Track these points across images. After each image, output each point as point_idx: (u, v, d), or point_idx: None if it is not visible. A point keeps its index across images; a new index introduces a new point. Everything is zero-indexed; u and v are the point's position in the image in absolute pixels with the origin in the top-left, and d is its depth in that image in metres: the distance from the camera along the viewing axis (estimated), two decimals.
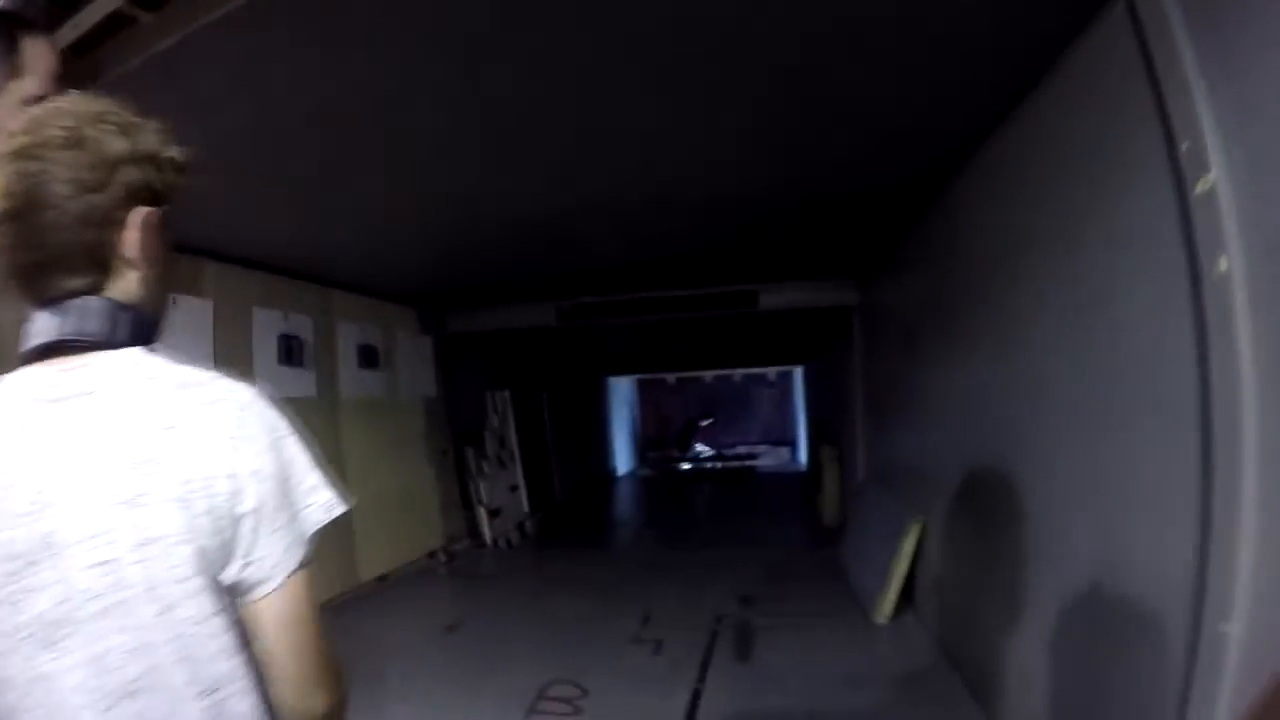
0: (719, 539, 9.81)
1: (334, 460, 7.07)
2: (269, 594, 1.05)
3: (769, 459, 20.03)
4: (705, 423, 21.29)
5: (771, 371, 21.12)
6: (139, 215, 1.06)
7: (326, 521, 1.17)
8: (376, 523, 7.68)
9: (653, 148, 4.13)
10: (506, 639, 5.86)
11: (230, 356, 5.99)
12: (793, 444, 20.47)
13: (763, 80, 3.27)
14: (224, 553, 1.00)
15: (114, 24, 2.65)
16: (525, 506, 10.90)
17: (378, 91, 3.33)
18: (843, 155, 4.20)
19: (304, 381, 6.91)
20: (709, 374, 21.35)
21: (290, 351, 6.69)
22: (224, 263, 6.06)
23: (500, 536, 9.78)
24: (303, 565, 1.10)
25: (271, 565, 1.04)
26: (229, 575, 1.02)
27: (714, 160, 4.31)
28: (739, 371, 21.17)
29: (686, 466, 19.24)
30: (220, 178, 4.25)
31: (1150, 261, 2.33)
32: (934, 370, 5.17)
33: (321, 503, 1.17)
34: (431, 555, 8.71)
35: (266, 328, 6.49)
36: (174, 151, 1.14)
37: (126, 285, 1.09)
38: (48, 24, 2.35)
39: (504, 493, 10.29)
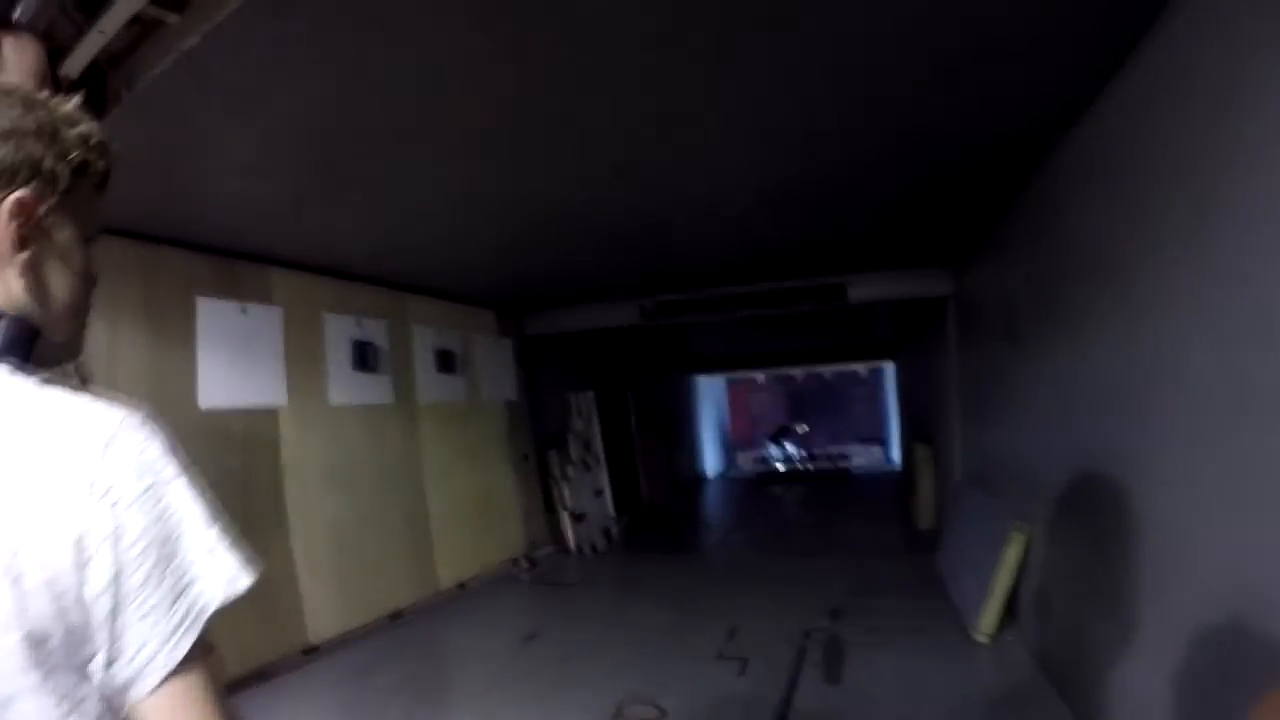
0: (809, 544, 9.41)
1: (412, 466, 7.06)
2: (145, 698, 0.78)
3: (862, 458, 19.41)
4: (801, 429, 20.77)
5: (863, 367, 20.48)
6: (9, 200, 0.83)
7: (229, 600, 0.89)
8: (456, 529, 7.61)
9: (736, 132, 3.85)
10: (585, 651, 5.63)
11: (302, 363, 6.00)
12: (886, 443, 19.79)
13: (857, 46, 2.95)
14: (76, 642, 0.75)
15: (145, 30, 2.58)
16: (611, 511, 10.72)
17: (439, 83, 3.14)
18: (939, 120, 3.75)
19: (380, 387, 6.85)
20: (799, 371, 20.84)
21: (365, 357, 6.63)
22: (292, 269, 6.03)
23: (585, 542, 9.61)
24: (191, 660, 0.82)
25: (145, 661, 0.78)
26: (94, 670, 0.76)
27: (805, 139, 3.98)
28: (830, 368, 20.59)
29: (779, 468, 18.78)
30: (273, 180, 4.22)
31: None
32: (1040, 361, 4.67)
33: (220, 574, 0.88)
34: (513, 562, 8.58)
35: (339, 333, 6.44)
36: (84, 128, 0.92)
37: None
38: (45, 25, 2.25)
39: (588, 497, 10.12)
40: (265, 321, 5.74)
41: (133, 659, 0.77)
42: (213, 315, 5.33)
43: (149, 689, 0.78)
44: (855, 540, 9.29)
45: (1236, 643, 2.33)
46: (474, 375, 8.39)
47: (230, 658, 5.12)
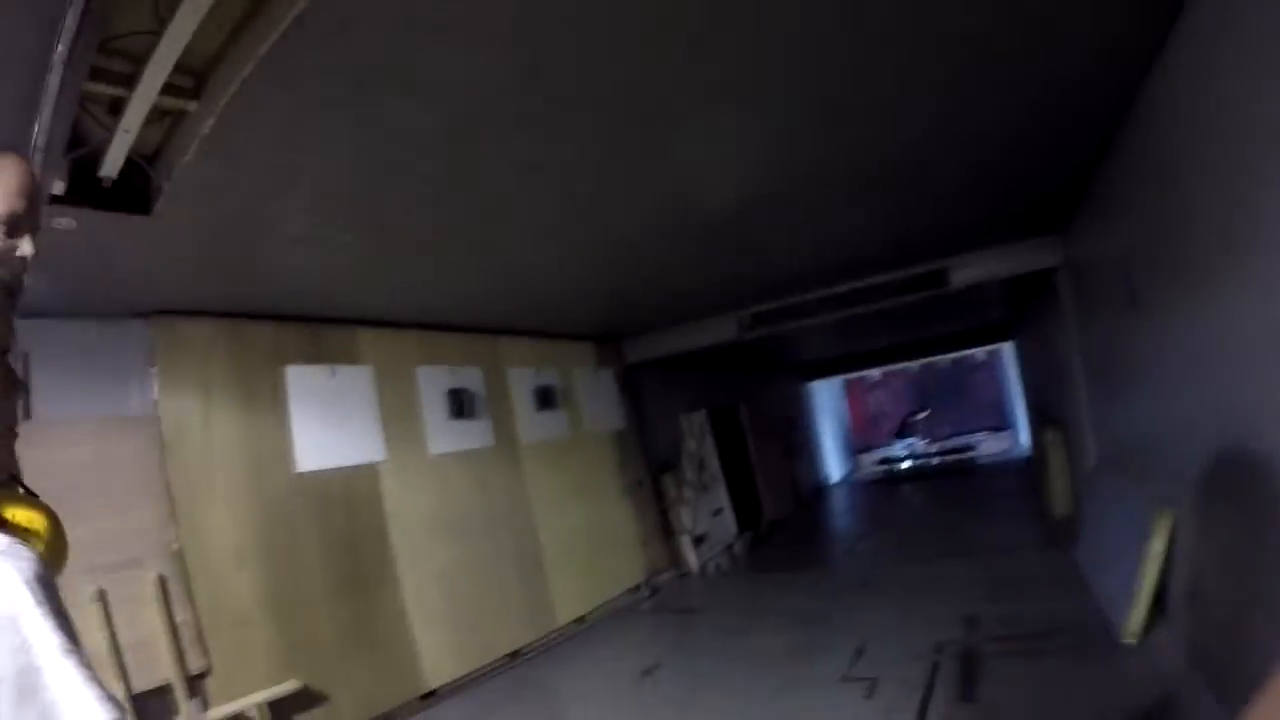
0: (938, 547, 8.89)
1: (520, 506, 7.09)
2: None
3: (988, 446, 18.54)
4: (922, 415, 20.06)
5: (981, 351, 19.61)
6: None
7: None
8: (571, 564, 7.59)
9: (812, 115, 3.62)
10: (705, 682, 5.48)
11: (397, 417, 6.13)
12: (1012, 428, 18.85)
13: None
14: None
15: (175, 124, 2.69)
16: (732, 529, 10.55)
17: (480, 121, 3.10)
18: (1019, 63, 3.34)
19: (479, 432, 6.91)
20: (914, 364, 20.13)
21: (461, 405, 6.71)
22: (379, 327, 6.15)
23: (707, 563, 9.47)
24: None
25: None
26: None
27: (883, 111, 3.69)
28: (945, 357, 19.78)
29: (904, 465, 18.14)
30: (330, 247, 4.29)
31: None
32: (1168, 328, 4.14)
33: (81, 712, 0.76)
34: (633, 591, 8.49)
35: (432, 384, 6.55)
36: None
37: None
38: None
39: (707, 518, 9.98)
40: (355, 381, 5.90)
41: None
42: (301, 381, 5.53)
43: None
44: (987, 538, 8.76)
45: None
46: (576, 409, 8.38)
47: (350, 708, 5.25)
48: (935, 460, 17.83)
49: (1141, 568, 4.61)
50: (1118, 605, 4.90)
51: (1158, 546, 4.51)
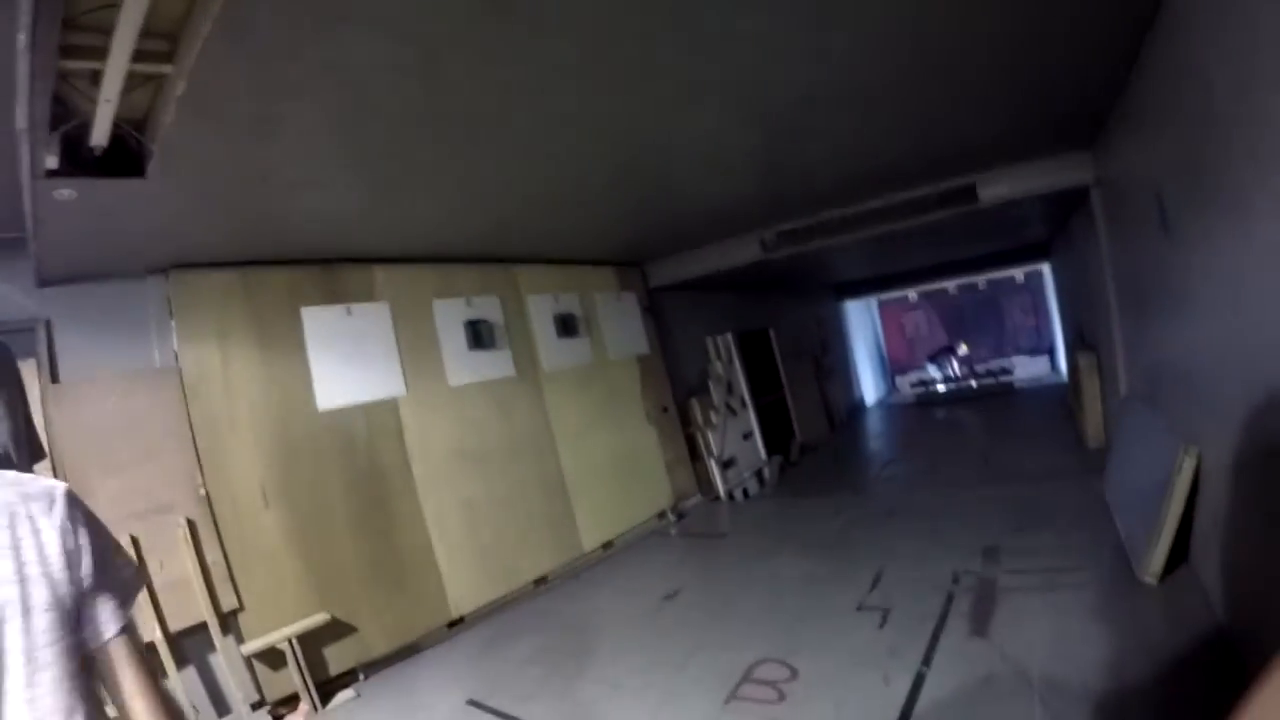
0: (968, 474, 8.79)
1: (543, 435, 7.15)
2: (105, 644, 1.25)
3: (1026, 370, 18.22)
4: (962, 351, 19.67)
5: (1019, 273, 19.08)
6: None
7: (140, 589, 1.39)
8: (596, 491, 7.67)
9: (851, 18, 3.41)
10: (724, 608, 5.55)
11: (416, 351, 6.20)
12: (1051, 352, 18.47)
13: None
14: (70, 612, 1.20)
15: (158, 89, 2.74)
16: (762, 453, 10.55)
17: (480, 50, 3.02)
18: None
19: (500, 362, 6.95)
20: (951, 284, 19.69)
21: (479, 336, 6.73)
22: (395, 263, 6.18)
23: (736, 488, 9.51)
24: (130, 623, 1.31)
25: (105, 621, 1.26)
26: (78, 629, 1.22)
27: (921, 13, 3.46)
28: (983, 277, 19.29)
29: (940, 389, 17.94)
30: (337, 188, 4.26)
31: None
32: (1199, 251, 3.90)
33: (133, 572, 1.38)
34: (660, 516, 8.57)
35: (450, 317, 6.58)
36: None
37: None
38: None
39: (736, 441, 9.99)
40: (372, 318, 5.96)
41: (100, 621, 1.24)
42: (318, 321, 5.61)
43: (107, 639, 1.24)
44: (1017, 466, 8.64)
45: None
46: (598, 335, 8.36)
47: (379, 637, 5.44)
48: (973, 383, 17.60)
49: (1164, 505, 4.50)
50: (1139, 543, 4.81)
51: (1182, 484, 4.37)
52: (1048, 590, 4.85)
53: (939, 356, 18.79)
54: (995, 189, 7.28)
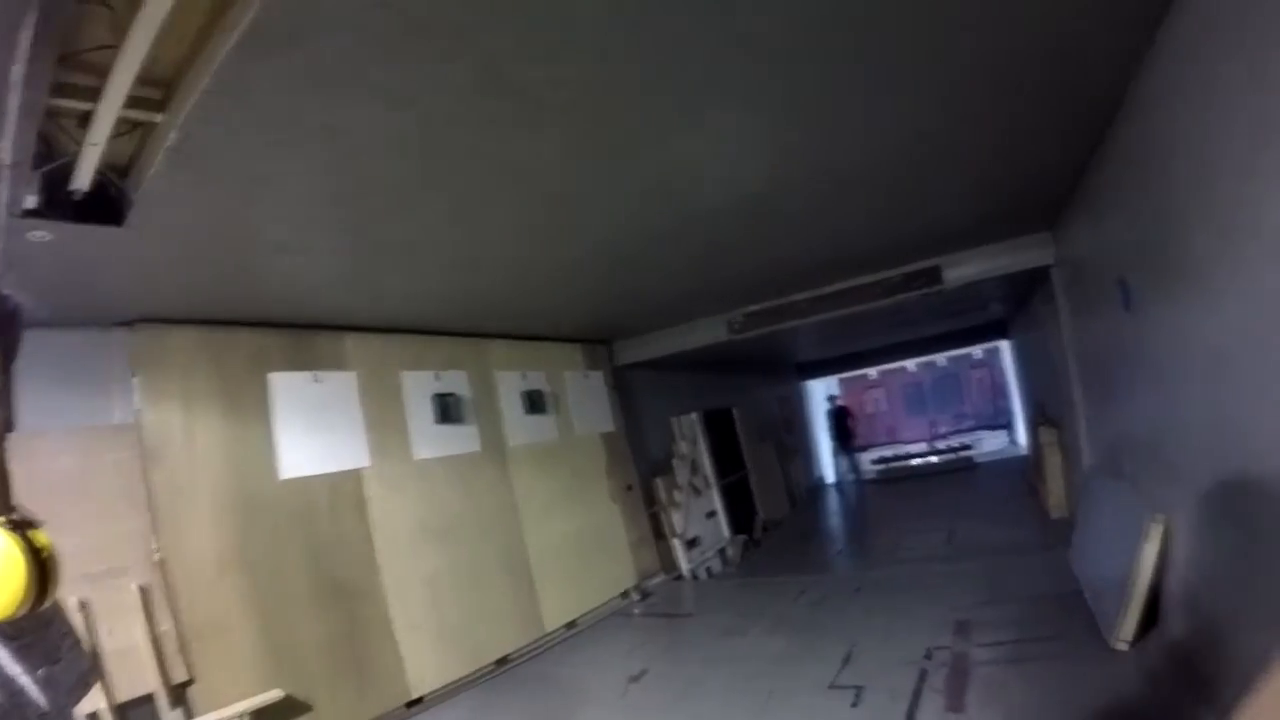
0: (933, 549, 8.86)
1: (507, 511, 7.07)
2: None
3: (986, 445, 18.48)
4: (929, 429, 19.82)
5: (979, 350, 19.56)
6: None
7: None
8: (560, 569, 7.57)
9: (820, 118, 3.61)
10: (692, 688, 5.45)
11: (383, 423, 6.12)
12: (1009, 426, 18.80)
13: None
14: None
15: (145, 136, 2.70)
16: (725, 531, 10.50)
17: (452, 129, 3.08)
18: (1011, 45, 3.19)
19: (465, 437, 6.90)
20: (911, 363, 20.07)
21: (447, 410, 6.69)
22: (366, 332, 6.14)
23: (700, 566, 9.43)
24: None
25: None
26: None
27: (889, 113, 3.68)
28: (943, 355, 19.72)
29: (902, 465, 18.06)
30: (314, 254, 4.28)
31: None
32: (1161, 326, 4.08)
33: None
34: (625, 595, 8.46)
35: (418, 389, 6.55)
36: None
37: None
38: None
39: (700, 520, 9.94)
40: (340, 387, 5.90)
41: None
42: (285, 387, 5.52)
43: None
44: (982, 540, 8.72)
45: None
46: (565, 412, 8.35)
47: (334, 717, 5.22)
48: (934, 459, 17.77)
49: (1133, 573, 4.57)
50: (1110, 611, 4.86)
51: (1150, 552, 4.47)
52: (1021, 661, 4.87)
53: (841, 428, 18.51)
54: (959, 270, 7.52)
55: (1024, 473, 12.44)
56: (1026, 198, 5.81)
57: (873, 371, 20.99)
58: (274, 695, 4.93)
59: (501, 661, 6.63)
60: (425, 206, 3.87)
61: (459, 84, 2.68)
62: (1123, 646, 4.60)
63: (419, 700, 5.84)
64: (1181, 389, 3.87)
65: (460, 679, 6.21)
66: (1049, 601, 5.87)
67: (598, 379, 9.12)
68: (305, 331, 5.74)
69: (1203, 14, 2.75)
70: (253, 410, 5.33)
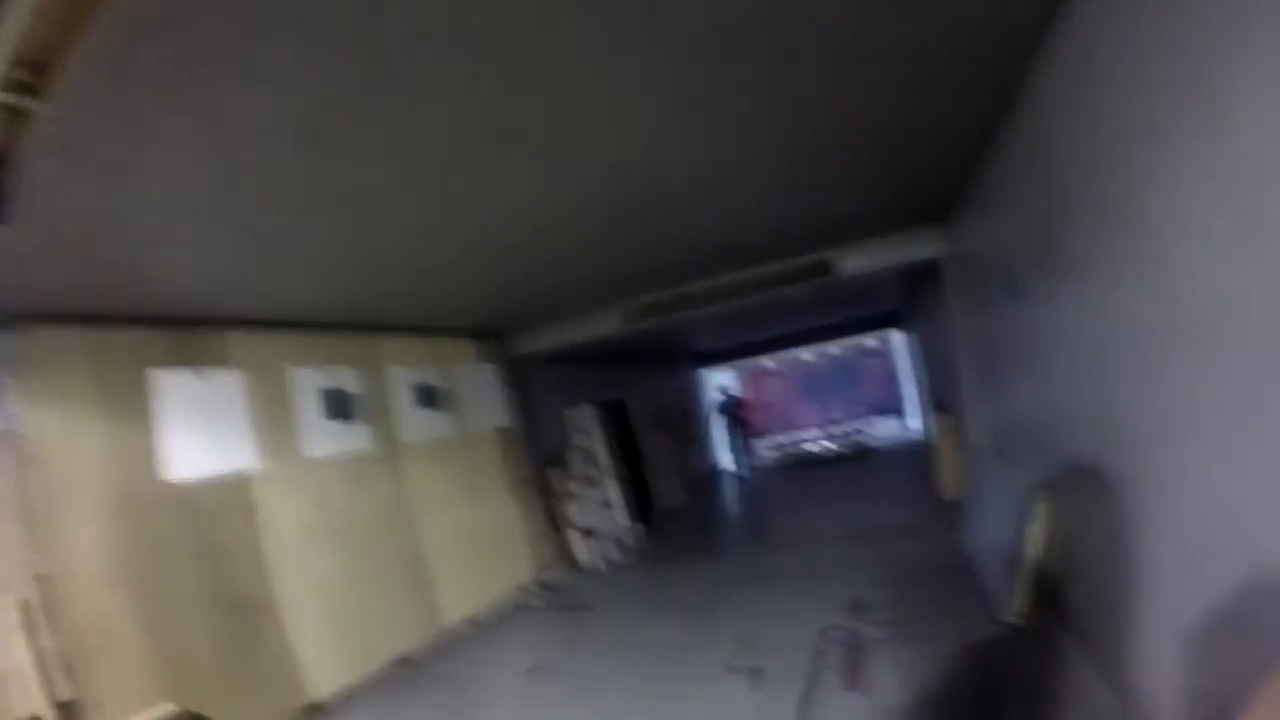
0: (829, 532, 9.06)
1: (401, 508, 6.89)
2: None
3: (883, 431, 19.05)
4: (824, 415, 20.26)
5: (872, 339, 20.12)
6: None
7: None
8: (457, 565, 7.47)
9: (709, 107, 3.58)
10: (591, 679, 5.45)
11: (271, 422, 5.90)
12: (905, 414, 19.42)
13: None
14: None
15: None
16: (623, 521, 10.50)
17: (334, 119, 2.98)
18: (900, 47, 3.28)
19: (356, 435, 6.70)
20: (808, 351, 20.51)
21: (336, 406, 6.49)
22: (251, 328, 5.90)
23: (598, 557, 9.42)
24: None
25: None
26: None
27: (778, 101, 3.65)
28: (838, 344, 20.22)
29: (800, 451, 18.42)
30: (195, 248, 4.06)
31: None
32: (1045, 316, 4.27)
33: None
34: (524, 588, 8.37)
35: (306, 386, 6.31)
36: None
37: None
38: None
39: (596, 511, 9.91)
40: (225, 385, 5.65)
41: None
42: (169, 387, 5.25)
43: None
44: (877, 522, 8.95)
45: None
46: (459, 406, 8.21)
47: None
48: (831, 445, 18.16)
49: (1023, 551, 4.76)
50: (1001, 587, 5.04)
51: (1037, 531, 4.68)
52: (916, 638, 5.02)
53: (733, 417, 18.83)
54: (851, 262, 7.70)
55: (919, 457, 12.83)
56: (917, 192, 5.99)
57: (769, 361, 21.34)
58: (168, 709, 4.66)
59: (401, 661, 6.47)
60: (305, 196, 3.71)
61: (338, 69, 2.58)
62: (1015, 621, 4.78)
63: (318, 706, 5.65)
64: (1064, 376, 4.06)
65: (359, 680, 6.06)
66: (942, 580, 6.08)
67: (492, 372, 9.00)
68: (189, 328, 5.46)
69: (1088, 15, 2.87)
70: (135, 411, 5.05)
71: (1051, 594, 4.82)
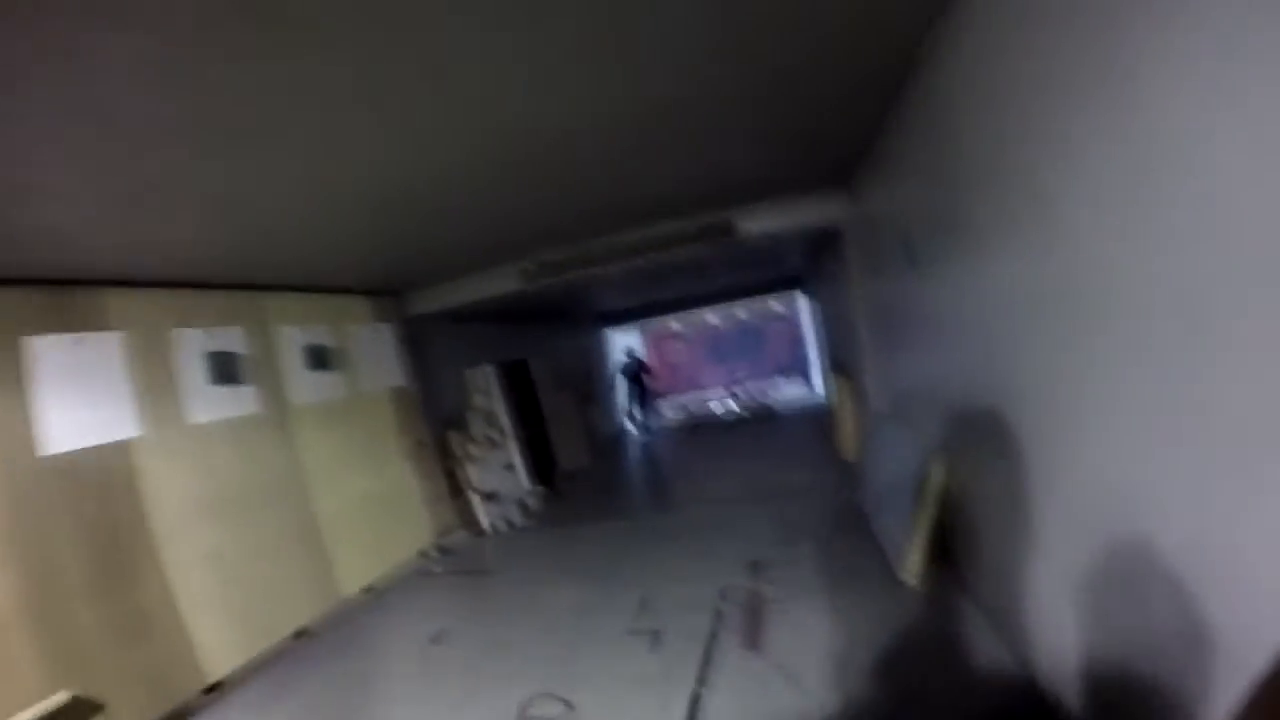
0: (730, 493, 9.18)
1: (292, 475, 6.64)
2: None
3: (788, 393, 19.36)
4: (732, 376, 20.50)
5: (777, 302, 20.38)
6: None
7: None
8: (353, 532, 7.25)
9: (607, 53, 3.41)
10: (494, 645, 5.39)
11: (153, 387, 5.57)
12: (808, 376, 19.80)
13: None
14: None
15: None
16: (524, 484, 10.42)
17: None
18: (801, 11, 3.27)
19: (243, 398, 6.38)
20: (713, 312, 20.66)
21: (223, 369, 6.16)
22: (131, 287, 5.53)
23: (499, 521, 9.33)
24: None
25: None
26: None
27: (675, 51, 3.51)
28: (743, 305, 20.43)
29: (705, 413, 18.59)
30: (68, 201, 3.75)
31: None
32: (940, 283, 4.34)
33: None
34: (423, 554, 8.22)
35: (190, 348, 5.96)
36: None
37: None
38: None
39: (497, 473, 9.80)
40: (103, 349, 5.26)
41: None
42: (43, 352, 4.88)
43: None
44: (778, 483, 9.08)
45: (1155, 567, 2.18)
46: (352, 368, 7.92)
47: (127, 714, 4.77)
48: (734, 406, 18.37)
49: (916, 511, 4.87)
50: (898, 547, 5.16)
51: (931, 491, 4.80)
52: (814, 597, 5.10)
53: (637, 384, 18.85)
54: (752, 224, 7.67)
55: (822, 420, 13.07)
56: (819, 155, 5.96)
57: (675, 322, 21.42)
58: (61, 698, 4.41)
59: (300, 634, 6.28)
60: (178, 144, 3.43)
61: (209, 5, 2.36)
62: (911, 580, 4.92)
63: (217, 685, 5.43)
64: (962, 343, 4.12)
65: (257, 657, 5.85)
66: (841, 538, 6.22)
67: (387, 332, 8.71)
68: (63, 288, 5.05)
69: None
70: (8, 380, 4.66)
71: (945, 553, 4.96)
